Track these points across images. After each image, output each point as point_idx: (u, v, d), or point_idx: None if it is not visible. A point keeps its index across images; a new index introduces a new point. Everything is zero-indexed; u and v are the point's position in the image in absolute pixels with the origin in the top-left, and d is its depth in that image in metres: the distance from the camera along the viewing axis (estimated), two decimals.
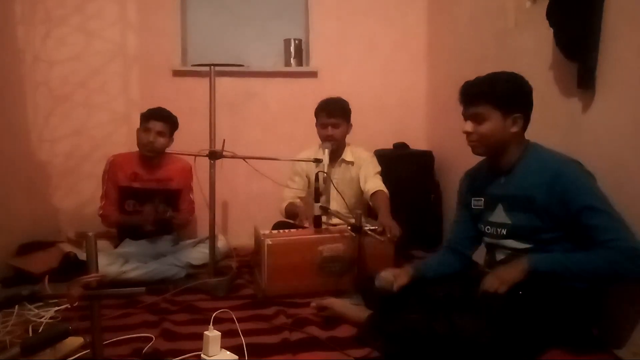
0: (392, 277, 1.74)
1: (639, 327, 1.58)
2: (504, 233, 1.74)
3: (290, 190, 2.78)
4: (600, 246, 1.53)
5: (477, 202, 1.85)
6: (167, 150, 2.67)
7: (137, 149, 2.69)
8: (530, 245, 1.67)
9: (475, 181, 1.89)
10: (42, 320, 1.94)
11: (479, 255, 1.94)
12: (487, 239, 1.84)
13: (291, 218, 2.67)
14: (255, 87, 3.47)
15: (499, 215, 1.75)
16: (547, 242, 1.63)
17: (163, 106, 2.71)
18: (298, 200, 2.75)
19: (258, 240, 2.38)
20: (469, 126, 1.72)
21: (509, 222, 1.72)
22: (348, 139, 2.75)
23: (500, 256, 1.77)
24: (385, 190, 2.57)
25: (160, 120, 2.63)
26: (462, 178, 1.99)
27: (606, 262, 1.52)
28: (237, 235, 3.21)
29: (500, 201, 1.75)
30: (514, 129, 1.69)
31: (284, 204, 2.74)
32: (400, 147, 3.36)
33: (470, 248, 1.95)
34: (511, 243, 1.72)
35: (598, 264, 1.53)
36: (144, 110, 2.68)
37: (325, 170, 2.43)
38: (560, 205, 1.59)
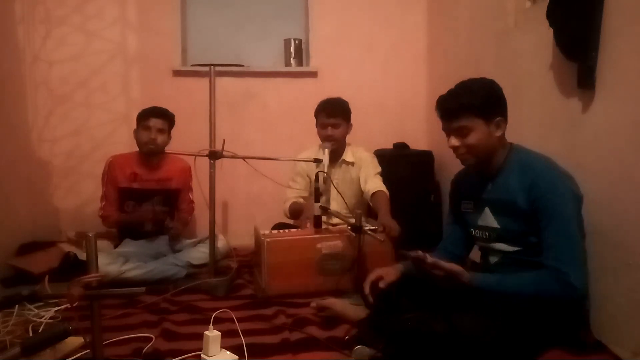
0: (368, 351, 1.64)
1: (638, 326, 1.58)
2: (494, 236, 1.73)
3: (293, 191, 2.77)
4: (544, 265, 1.55)
5: (467, 206, 1.84)
6: (166, 149, 2.68)
7: (137, 149, 2.70)
8: (519, 248, 1.66)
9: (463, 184, 1.88)
10: (42, 320, 1.94)
11: (478, 255, 1.94)
12: (479, 243, 1.83)
13: (295, 216, 2.67)
14: (255, 87, 3.48)
15: (488, 219, 1.74)
16: (536, 245, 1.61)
17: (163, 106, 2.72)
18: (301, 200, 2.74)
19: (258, 240, 2.38)
20: (455, 140, 1.69)
21: (497, 226, 1.71)
22: (348, 139, 2.75)
23: (493, 259, 1.76)
24: (386, 190, 2.57)
25: (159, 117, 2.64)
26: (452, 181, 1.98)
27: (539, 286, 1.54)
28: (237, 235, 3.21)
29: (488, 205, 1.74)
30: (498, 133, 1.68)
31: (288, 204, 2.73)
32: (400, 147, 3.36)
33: (463, 250, 1.94)
34: (501, 246, 1.71)
35: (531, 288, 1.55)
36: None
37: (325, 171, 2.43)
38: (533, 211, 1.59)
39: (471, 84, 1.69)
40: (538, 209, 1.58)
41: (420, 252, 1.66)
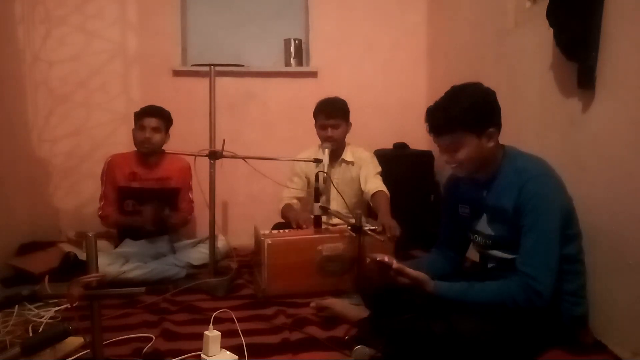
0: (368, 351, 1.64)
1: (638, 326, 1.58)
2: (490, 244, 1.71)
3: (289, 191, 2.77)
4: (517, 269, 1.54)
5: (464, 210, 1.81)
6: (166, 149, 2.68)
7: (136, 149, 2.70)
8: (516, 256, 1.61)
9: (459, 188, 1.84)
10: (42, 320, 1.94)
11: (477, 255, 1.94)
12: (476, 247, 1.82)
13: (285, 220, 2.67)
14: (255, 87, 3.48)
15: (484, 225, 1.72)
16: None
17: (163, 106, 2.72)
18: (295, 201, 2.74)
19: (258, 240, 2.38)
20: (445, 156, 1.66)
21: (492, 233, 1.69)
22: (348, 138, 2.75)
23: (490, 264, 1.76)
24: (386, 190, 2.57)
25: (153, 116, 2.64)
26: (446, 183, 1.94)
27: (504, 296, 1.52)
28: (237, 235, 3.21)
29: (485, 212, 1.71)
30: (491, 144, 1.61)
31: (281, 205, 2.73)
32: (400, 147, 3.36)
33: (459, 250, 1.93)
34: (497, 253, 1.70)
35: (496, 298, 1.54)
36: None
37: (325, 170, 2.43)
38: (517, 214, 1.56)
39: (460, 94, 1.61)
40: (523, 212, 1.55)
41: (386, 257, 1.64)
